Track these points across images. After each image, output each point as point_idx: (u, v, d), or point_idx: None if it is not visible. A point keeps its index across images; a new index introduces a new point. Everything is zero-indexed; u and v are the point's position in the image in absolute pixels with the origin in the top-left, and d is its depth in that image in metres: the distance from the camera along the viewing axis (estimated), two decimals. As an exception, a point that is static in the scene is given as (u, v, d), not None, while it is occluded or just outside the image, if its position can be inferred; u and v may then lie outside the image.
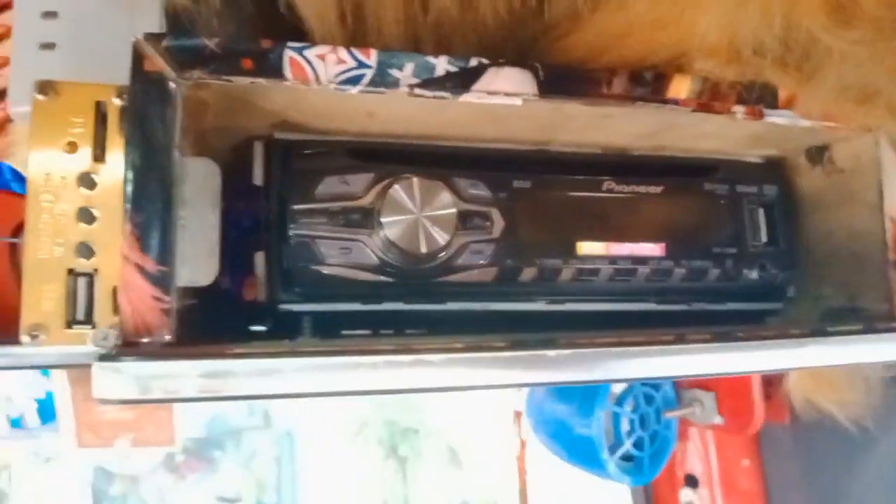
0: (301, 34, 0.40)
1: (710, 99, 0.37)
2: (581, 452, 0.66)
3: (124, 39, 0.43)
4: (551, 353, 0.29)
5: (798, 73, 0.36)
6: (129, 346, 0.27)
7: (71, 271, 0.29)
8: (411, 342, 0.28)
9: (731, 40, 0.35)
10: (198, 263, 0.29)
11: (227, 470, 1.18)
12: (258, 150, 0.37)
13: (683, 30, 0.37)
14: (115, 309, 0.29)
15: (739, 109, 0.37)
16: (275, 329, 0.37)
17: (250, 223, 0.38)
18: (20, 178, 0.50)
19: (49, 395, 0.75)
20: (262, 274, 0.36)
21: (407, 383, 0.27)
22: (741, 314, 0.44)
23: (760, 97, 0.37)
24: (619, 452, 0.64)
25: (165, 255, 0.28)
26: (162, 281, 0.28)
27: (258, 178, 0.36)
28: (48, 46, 0.42)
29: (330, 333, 0.37)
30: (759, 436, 0.72)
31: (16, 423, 0.75)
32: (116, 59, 0.42)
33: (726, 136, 0.41)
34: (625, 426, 0.64)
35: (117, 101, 0.30)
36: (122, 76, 0.35)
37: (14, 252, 0.50)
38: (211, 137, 0.37)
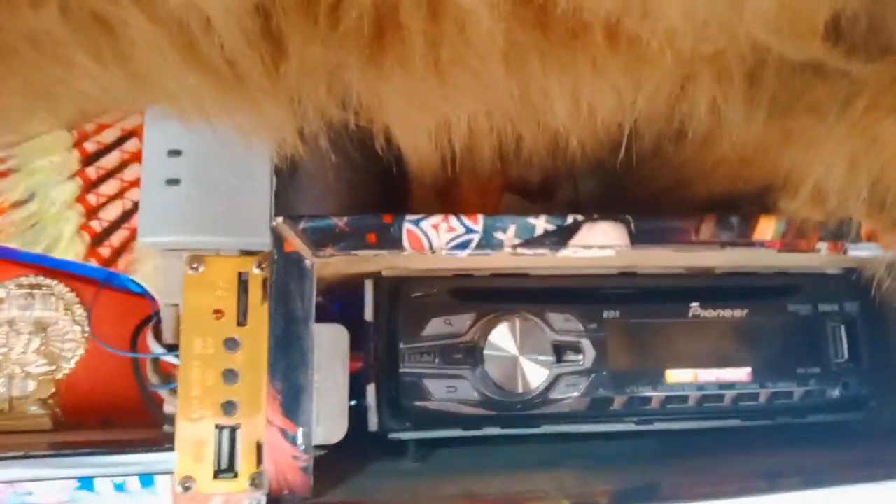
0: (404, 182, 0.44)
1: (794, 238, 0.38)
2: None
3: (240, 175, 0.47)
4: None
5: (886, 219, 0.37)
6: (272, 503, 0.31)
7: (217, 426, 0.33)
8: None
9: (816, 186, 0.37)
10: (331, 423, 0.33)
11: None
12: (368, 287, 0.40)
13: (767, 169, 0.39)
14: (258, 462, 0.33)
15: (823, 246, 0.39)
16: (382, 453, 0.40)
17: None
18: (133, 282, 0.55)
19: (149, 461, 0.80)
20: (373, 404, 0.39)
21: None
22: (823, 425, 0.45)
23: (844, 233, 0.39)
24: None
25: (304, 417, 0.31)
26: (301, 442, 0.31)
27: (369, 314, 0.40)
28: (173, 182, 0.47)
29: (430, 453, 0.41)
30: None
31: (119, 488, 0.81)
32: (234, 198, 0.46)
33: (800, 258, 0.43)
34: None
35: (257, 271, 0.34)
36: (241, 217, 0.39)
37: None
38: (326, 278, 0.40)
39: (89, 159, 0.53)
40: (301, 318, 0.32)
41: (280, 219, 0.32)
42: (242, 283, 0.34)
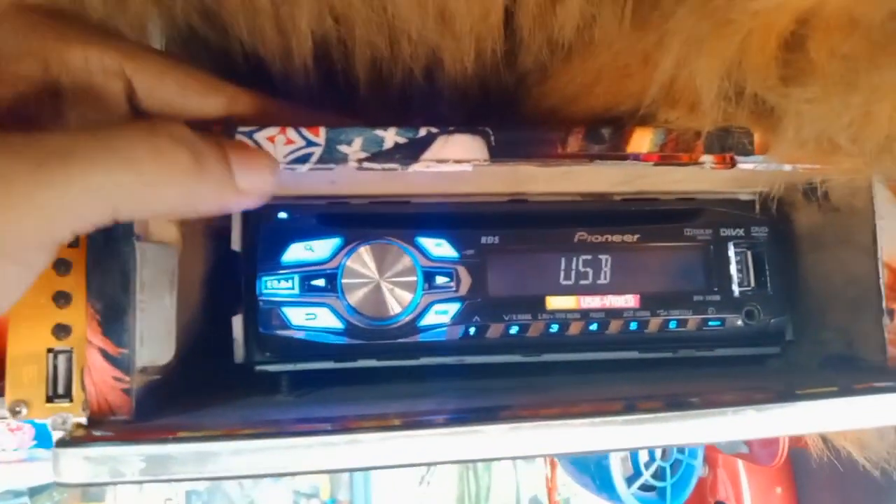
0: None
1: (673, 151, 0.36)
2: (602, 482, 0.65)
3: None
4: (489, 427, 0.29)
5: (765, 121, 0.34)
6: (93, 425, 0.29)
7: (50, 350, 0.32)
8: (348, 420, 0.29)
9: (691, 89, 0.34)
10: (156, 344, 0.31)
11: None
12: (235, 215, 0.39)
13: (648, 77, 0.37)
14: (83, 386, 0.31)
15: (708, 159, 0.36)
16: (255, 388, 0.39)
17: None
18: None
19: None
20: (238, 336, 0.38)
21: (342, 463, 0.28)
22: (736, 359, 0.43)
23: (731, 144, 0.36)
24: (638, 483, 0.62)
25: (125, 337, 0.30)
26: (122, 362, 0.30)
27: (236, 243, 0.38)
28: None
29: (308, 388, 0.39)
30: (791, 462, 0.69)
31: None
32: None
33: (704, 180, 0.40)
34: (643, 457, 0.63)
35: (86, 191, 0.33)
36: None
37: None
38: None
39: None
40: (120, 235, 0.30)
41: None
42: (72, 204, 0.33)
